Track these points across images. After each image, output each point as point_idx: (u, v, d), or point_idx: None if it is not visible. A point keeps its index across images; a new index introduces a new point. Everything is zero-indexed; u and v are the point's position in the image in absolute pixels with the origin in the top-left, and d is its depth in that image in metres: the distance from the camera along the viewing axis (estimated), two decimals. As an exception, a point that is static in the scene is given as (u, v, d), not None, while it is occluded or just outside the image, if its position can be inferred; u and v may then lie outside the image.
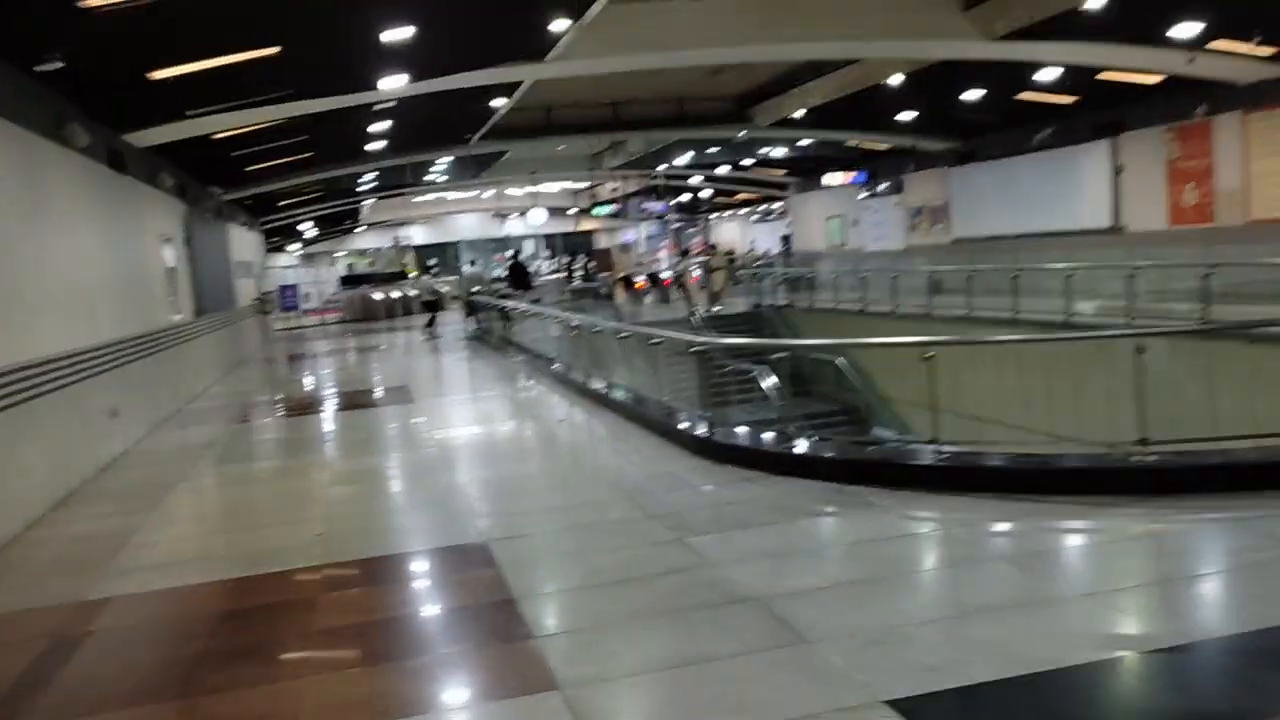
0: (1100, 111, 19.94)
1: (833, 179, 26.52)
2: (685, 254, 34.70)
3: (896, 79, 18.33)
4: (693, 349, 9.42)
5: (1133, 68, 16.78)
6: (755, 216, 49.80)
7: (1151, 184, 19.23)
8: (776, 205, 44.61)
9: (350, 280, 41.24)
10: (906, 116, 22.16)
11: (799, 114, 22.31)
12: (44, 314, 8.75)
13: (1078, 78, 17.76)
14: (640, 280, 32.27)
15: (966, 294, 17.40)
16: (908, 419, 19.01)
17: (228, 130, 14.44)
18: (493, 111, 18.04)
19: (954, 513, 6.05)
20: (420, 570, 6.01)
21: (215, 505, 8.36)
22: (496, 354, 19.29)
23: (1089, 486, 6.09)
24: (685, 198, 39.25)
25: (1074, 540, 5.69)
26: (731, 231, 51.27)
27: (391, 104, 15.24)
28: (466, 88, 14.72)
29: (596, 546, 5.95)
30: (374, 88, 12.85)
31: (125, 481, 9.41)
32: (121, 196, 12.33)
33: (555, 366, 14.74)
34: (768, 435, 8.22)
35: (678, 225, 43.60)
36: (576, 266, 48.62)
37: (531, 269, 47.77)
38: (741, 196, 42.48)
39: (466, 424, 11.34)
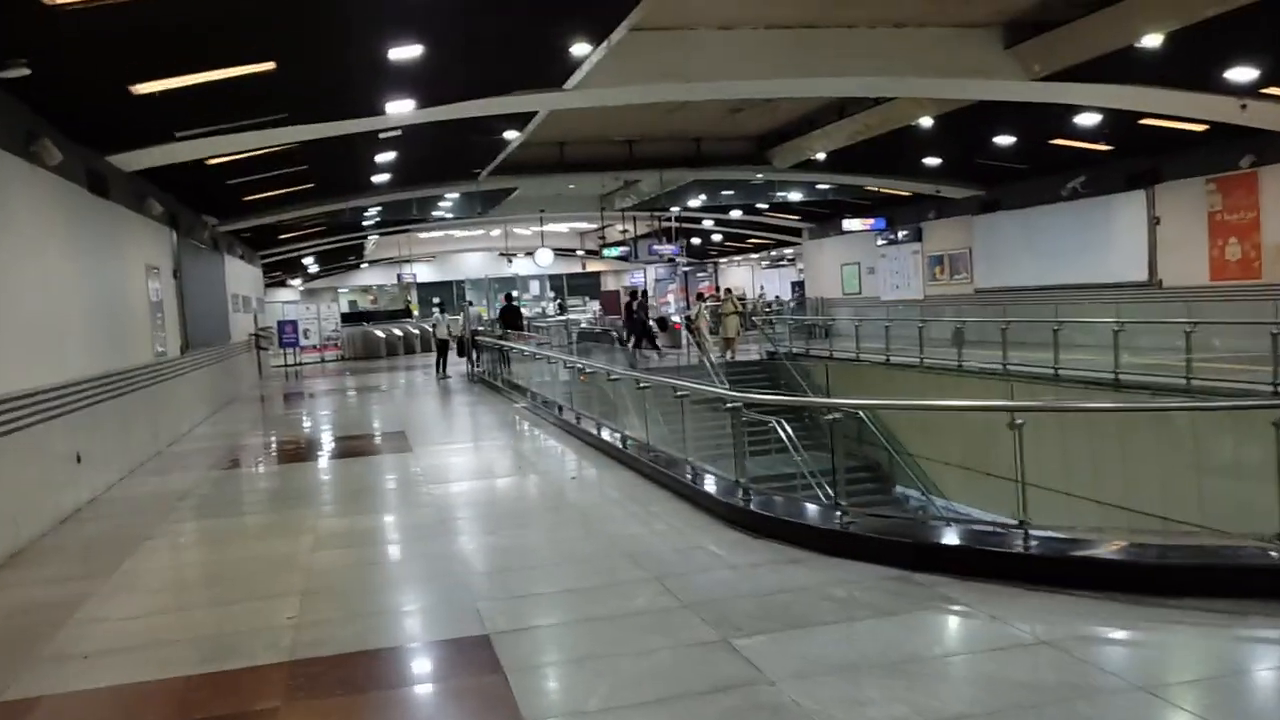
0: (1136, 160, 19.12)
1: (851, 225, 25.71)
2: (701, 298, 33.81)
3: (925, 121, 17.52)
4: (728, 405, 8.51)
5: (1178, 115, 15.94)
6: (765, 262, 49.10)
7: (1192, 237, 18.34)
8: (788, 251, 43.89)
9: (351, 317, 40.39)
10: (933, 161, 21.35)
11: (820, 156, 21.50)
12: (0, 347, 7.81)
13: (1117, 123, 16.92)
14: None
15: (1001, 347, 16.46)
16: (936, 479, 18.03)
17: (222, 156, 13.59)
18: (504, 145, 17.21)
19: (1062, 617, 4.99)
20: (408, 675, 4.99)
21: (180, 571, 7.33)
22: (499, 398, 18.31)
23: (1229, 588, 5.06)
24: (695, 241, 38.36)
25: (1247, 663, 4.66)
26: (740, 277, 50.52)
27: (396, 133, 14.39)
28: (478, 117, 13.88)
29: (622, 647, 4.92)
30: (378, 112, 11.99)
31: (84, 537, 8.40)
32: (101, 222, 11.43)
33: (563, 414, 13.77)
34: (814, 508, 7.21)
35: (687, 269, 42.82)
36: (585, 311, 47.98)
37: (536, 310, 47.29)
38: (752, 241, 41.72)
39: (468, 477, 10.33)
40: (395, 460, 11.69)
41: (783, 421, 16.78)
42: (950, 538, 6.47)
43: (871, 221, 26.09)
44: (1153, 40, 12.24)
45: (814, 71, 13.44)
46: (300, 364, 33.34)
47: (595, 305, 51.20)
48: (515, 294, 32.85)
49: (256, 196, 18.23)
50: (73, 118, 10.05)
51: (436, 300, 47.05)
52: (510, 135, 16.34)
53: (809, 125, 21.18)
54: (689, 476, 8.44)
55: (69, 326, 9.84)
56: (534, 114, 14.97)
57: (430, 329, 26.23)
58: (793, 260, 46.98)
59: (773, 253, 45.97)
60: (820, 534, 6.52)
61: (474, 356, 28.02)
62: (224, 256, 21.18)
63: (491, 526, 7.82)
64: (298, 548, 7.40)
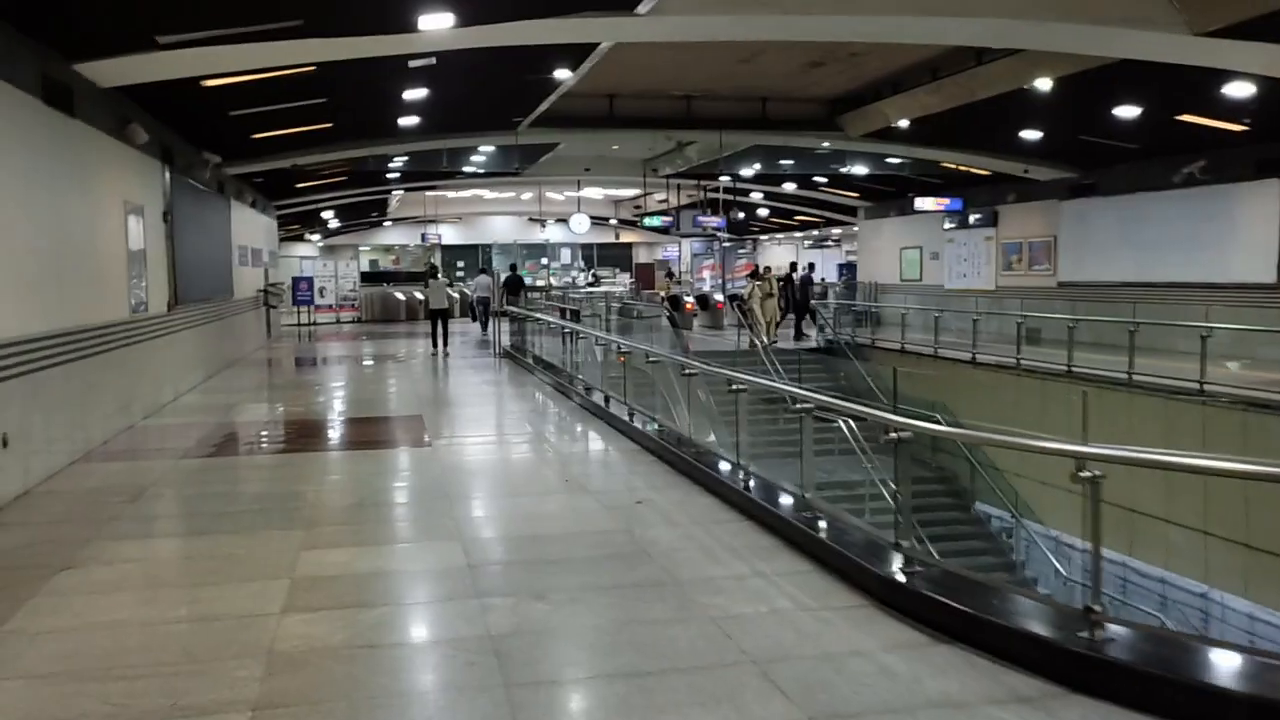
0: (1271, 144, 16.64)
1: (923, 204, 23.29)
2: (755, 275, 31.32)
3: (1043, 83, 15.03)
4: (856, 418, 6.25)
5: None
6: (808, 242, 46.59)
7: (1337, 235, 15.90)
8: (836, 231, 41.40)
9: (371, 277, 38.24)
10: (1032, 136, 18.87)
11: (902, 123, 19.05)
12: None
13: (1268, 97, 14.45)
14: (690, 301, 29.14)
15: (1103, 350, 14.17)
16: (1030, 499, 15.71)
17: (222, 76, 11.34)
18: (552, 87, 14.84)
19: None
20: None
21: (89, 629, 5.08)
22: (529, 377, 16.11)
23: None
24: (738, 216, 35.74)
25: None
26: (781, 256, 48.04)
27: (430, 62, 12.09)
28: (528, 47, 11.55)
29: None
30: (409, 28, 9.68)
31: (-13, 558, 6.23)
32: (62, 145, 9.21)
33: (601, 401, 11.59)
34: (1029, 605, 4.95)
35: (728, 245, 40.36)
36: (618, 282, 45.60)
37: (565, 280, 44.97)
38: (800, 219, 39.21)
39: (502, 494, 8.09)
40: (410, 459, 9.49)
41: (850, 422, 14.74)
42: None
43: (946, 202, 23.63)
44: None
45: (939, 9, 11.04)
46: (314, 324, 31.24)
47: (625, 278, 48.92)
48: (516, 265, 31.27)
49: (267, 134, 15.99)
50: (25, 4, 7.86)
51: (430, 262, 44.81)
52: (562, 75, 13.99)
53: (891, 88, 18.75)
54: (806, 520, 6.20)
55: (4, 274, 7.66)
56: (593, 47, 12.63)
57: (421, 294, 22.68)
58: (838, 241, 44.46)
59: (816, 232, 43.46)
60: (1050, 652, 4.24)
61: (487, 326, 25.92)
62: (230, 202, 18.97)
63: (540, 582, 5.57)
64: (264, 603, 5.19)
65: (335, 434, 11.36)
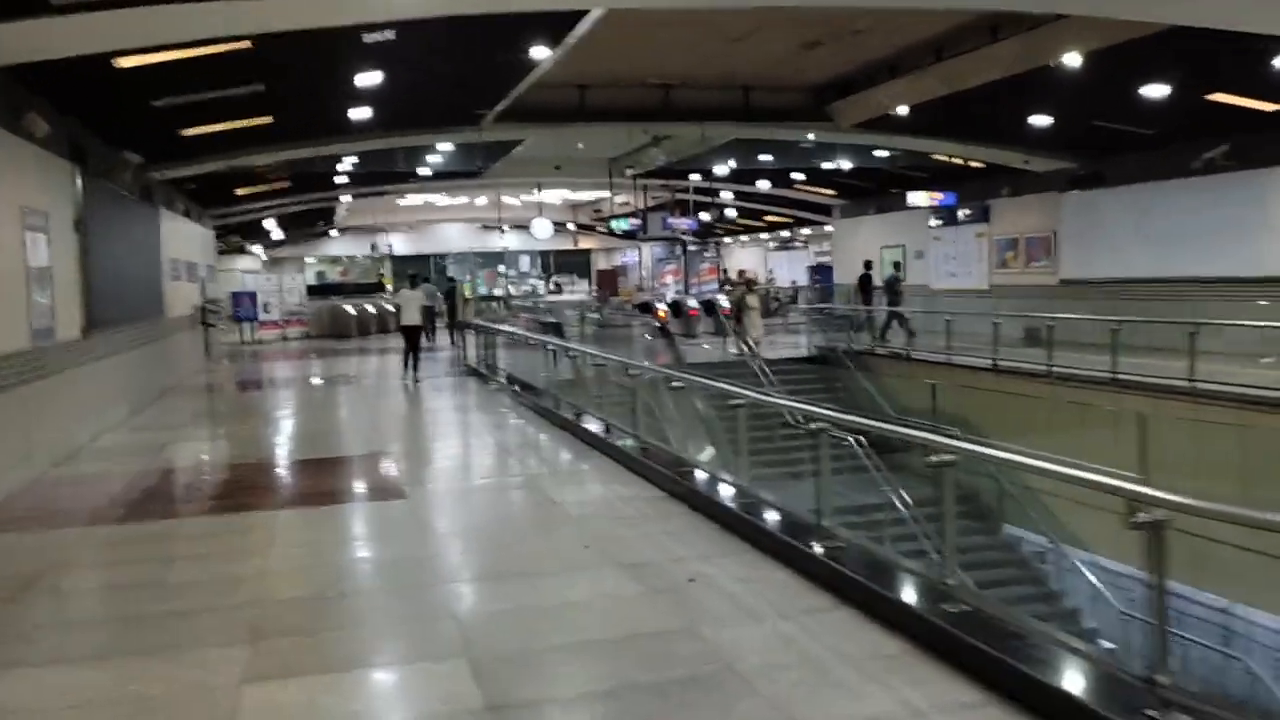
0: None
1: (916, 199, 21.81)
2: (728, 282, 29.69)
3: (1071, 59, 13.52)
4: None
5: None
6: (774, 244, 45.16)
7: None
8: (805, 231, 39.98)
9: (319, 290, 36.05)
10: (1041, 121, 17.41)
11: (901, 110, 17.50)
12: None
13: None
14: (662, 310, 27.44)
15: (1187, 354, 12.65)
16: (1067, 517, 14.19)
17: (137, 53, 9.41)
18: (526, 69, 13.01)
19: None
20: None
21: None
22: (501, 398, 14.30)
23: None
24: (703, 217, 33.88)
25: None
26: (746, 259, 46.55)
27: (388, 37, 10.26)
28: (504, 16, 9.77)
29: None
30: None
31: None
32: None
33: (600, 430, 9.87)
34: (1100, 683, 3.33)
35: (694, 248, 38.73)
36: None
37: (524, 289, 42.96)
38: (768, 219, 37.69)
39: (507, 571, 6.14)
40: (383, 518, 7.61)
41: (863, 440, 13.22)
42: None
43: (940, 196, 22.16)
44: None
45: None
46: (257, 341, 29.03)
47: (583, 284, 47.13)
48: (453, 278, 30.37)
49: (199, 131, 14.00)
50: None
51: (411, 272, 42.59)
52: (538, 54, 12.18)
53: (889, 72, 17.21)
54: (944, 613, 4.50)
55: None
56: (579, 16, 10.85)
57: (396, 307, 18.65)
58: (805, 243, 43.06)
59: (786, 233, 42.01)
60: None
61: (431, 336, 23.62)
62: (159, 211, 16.90)
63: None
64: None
65: (285, 482, 9.45)
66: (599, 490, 8.18)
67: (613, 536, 6.68)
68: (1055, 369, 14.66)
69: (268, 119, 14.13)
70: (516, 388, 14.73)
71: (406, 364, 16.63)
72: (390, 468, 9.43)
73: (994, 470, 14.40)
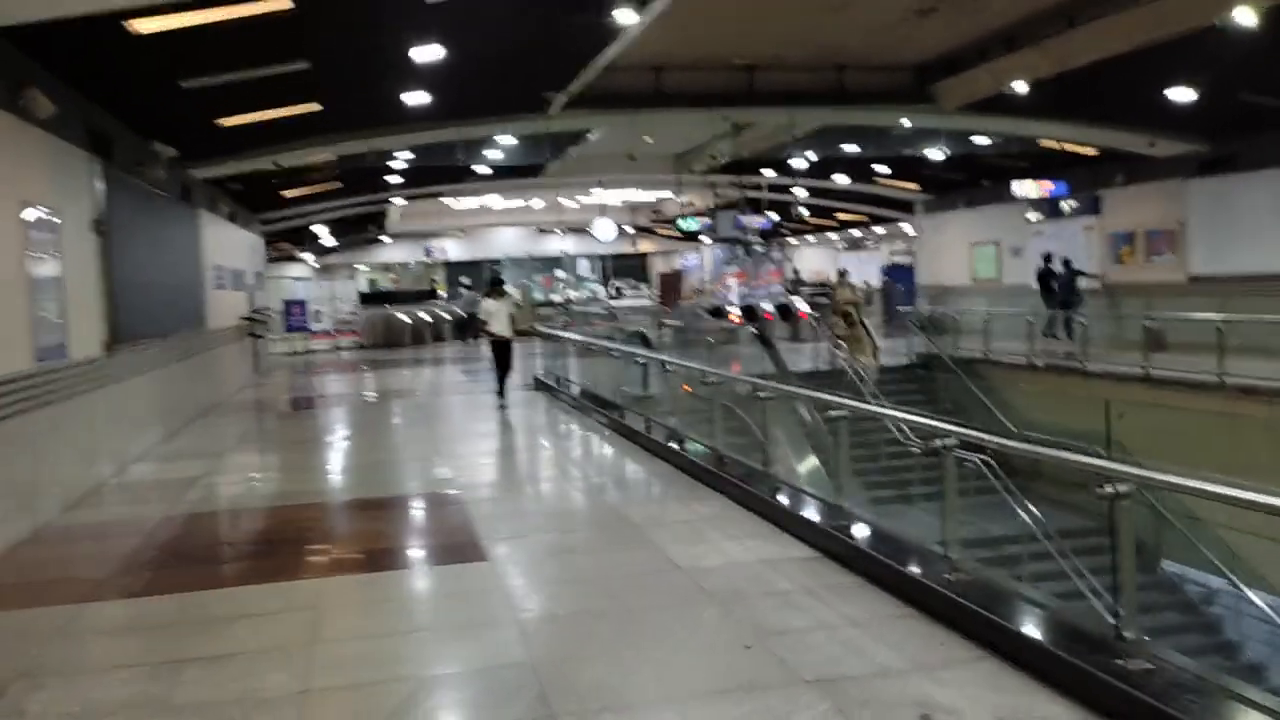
0: None
1: (1022, 189, 19.74)
2: (799, 284, 27.88)
3: (1244, 16, 11.47)
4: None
5: None
6: (844, 245, 43.07)
7: None
8: (880, 230, 37.85)
9: (371, 298, 34.71)
10: (1183, 96, 15.29)
11: (1019, 87, 15.51)
12: None
13: None
14: (735, 314, 25.60)
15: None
16: (1246, 551, 12.12)
17: (157, 15, 7.83)
18: (608, 37, 11.23)
19: None
20: None
21: None
22: (576, 417, 12.64)
23: None
24: (798, 211, 31.62)
25: None
26: (813, 260, 44.54)
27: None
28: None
29: None
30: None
31: None
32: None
33: (710, 464, 8.09)
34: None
35: (760, 249, 36.81)
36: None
37: (583, 294, 41.24)
38: (841, 217, 35.64)
39: (647, 702, 4.33)
40: (460, 590, 5.86)
41: (991, 461, 11.41)
42: None
43: (1051, 186, 20.04)
44: None
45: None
46: (310, 351, 27.67)
47: (642, 288, 45.35)
48: (470, 285, 31.29)
49: (238, 120, 12.46)
50: None
51: (466, 280, 41.06)
52: (624, 18, 10.41)
53: (1005, 45, 15.24)
54: None
55: None
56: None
57: (479, 316, 15.55)
58: (877, 243, 40.93)
59: (858, 233, 39.91)
60: None
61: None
62: (199, 214, 15.44)
63: None
64: None
65: (338, 532, 7.76)
66: (732, 549, 6.37)
67: (777, 627, 4.87)
68: (1227, 379, 12.56)
69: (315, 106, 12.55)
70: (593, 405, 13.01)
71: (501, 384, 14.45)
72: (462, 513, 7.72)
73: (1152, 499, 12.49)
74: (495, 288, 15.25)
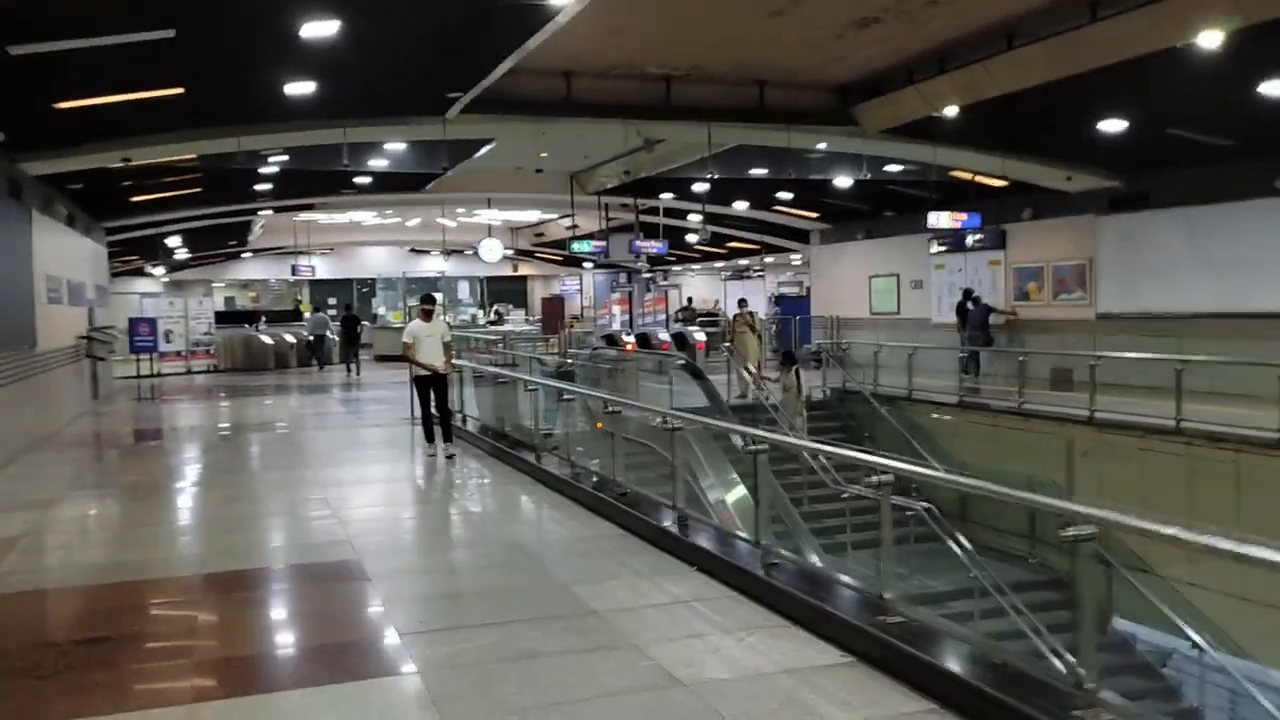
0: None
1: (938, 219, 19.13)
2: (690, 312, 26.77)
3: (1207, 40, 10.85)
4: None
5: None
6: (728, 273, 42.41)
7: None
8: (769, 259, 37.30)
9: (229, 317, 32.02)
10: (1113, 128, 14.83)
11: (949, 111, 14.77)
12: None
13: None
14: (629, 342, 24.36)
15: None
16: (1209, 610, 11.37)
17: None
18: (537, 25, 9.70)
19: None
20: None
21: None
22: (470, 451, 11.03)
23: None
24: (707, 233, 30.29)
25: None
26: (698, 289, 43.80)
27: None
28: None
29: None
30: None
31: None
32: None
33: (673, 525, 6.70)
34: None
35: (647, 275, 35.68)
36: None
37: (463, 318, 39.29)
38: (730, 245, 34.87)
39: None
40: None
41: (934, 509, 10.55)
42: None
43: (964, 218, 19.47)
44: None
45: None
46: (158, 375, 24.98)
47: (519, 314, 43.69)
48: (351, 305, 31.63)
49: (82, 102, 10.45)
50: None
51: (332, 301, 38.56)
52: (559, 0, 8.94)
53: (937, 66, 14.45)
54: None
55: None
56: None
57: (407, 341, 11.49)
58: (761, 272, 40.40)
59: (742, 261, 39.34)
60: None
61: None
62: (31, 215, 13.20)
63: None
64: None
65: (192, 627, 5.89)
66: (729, 647, 4.93)
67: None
68: (1184, 424, 11.87)
69: (177, 90, 10.65)
70: (501, 444, 11.42)
71: (429, 429, 11.64)
72: (362, 595, 6.06)
73: (1103, 553, 11.66)
74: (426, 307, 12.17)
